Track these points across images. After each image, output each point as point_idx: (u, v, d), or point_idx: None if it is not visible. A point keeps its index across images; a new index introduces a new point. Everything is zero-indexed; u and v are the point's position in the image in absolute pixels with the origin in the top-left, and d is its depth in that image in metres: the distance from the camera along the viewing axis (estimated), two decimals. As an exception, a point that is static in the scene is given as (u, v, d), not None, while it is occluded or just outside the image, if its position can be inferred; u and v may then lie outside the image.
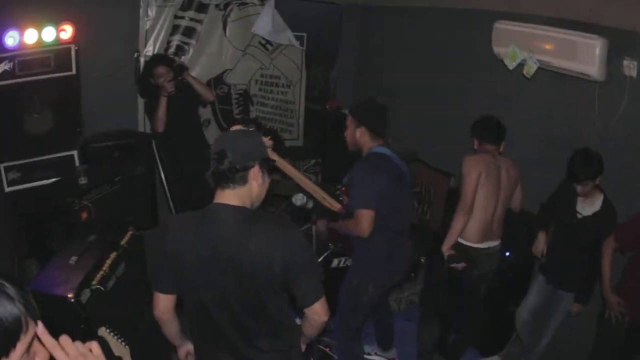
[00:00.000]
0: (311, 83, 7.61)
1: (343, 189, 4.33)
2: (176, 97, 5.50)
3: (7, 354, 1.34)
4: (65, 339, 1.50)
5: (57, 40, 5.18)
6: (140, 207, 5.72)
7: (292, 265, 2.48)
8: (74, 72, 5.40)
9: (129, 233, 4.25)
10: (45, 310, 3.27)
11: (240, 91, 7.12)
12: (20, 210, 5.18)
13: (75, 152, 5.59)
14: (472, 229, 4.41)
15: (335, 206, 3.93)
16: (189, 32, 6.48)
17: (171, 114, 5.52)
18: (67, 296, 3.41)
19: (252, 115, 7.27)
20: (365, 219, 3.78)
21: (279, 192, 4.90)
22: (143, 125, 6.38)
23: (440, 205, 6.04)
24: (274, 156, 3.08)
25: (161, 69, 5.46)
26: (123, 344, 2.75)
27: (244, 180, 2.50)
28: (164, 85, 5.41)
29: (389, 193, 3.85)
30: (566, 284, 4.50)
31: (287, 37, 6.95)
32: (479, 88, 5.59)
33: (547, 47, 4.47)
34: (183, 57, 6.49)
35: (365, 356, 4.98)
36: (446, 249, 4.38)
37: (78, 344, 1.55)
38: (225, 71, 6.92)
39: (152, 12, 6.18)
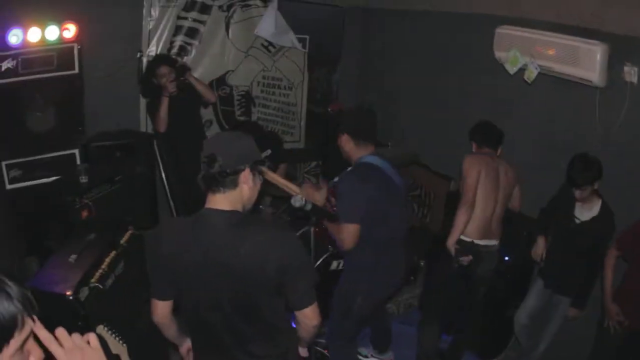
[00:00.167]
0: (313, 85, 7.62)
1: (331, 190, 4.27)
2: (178, 97, 5.51)
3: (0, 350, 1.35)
4: (61, 331, 1.51)
5: (60, 39, 5.18)
6: (141, 207, 5.72)
7: (287, 268, 2.47)
8: (76, 71, 5.40)
9: (129, 232, 4.25)
10: (44, 308, 3.29)
11: (242, 92, 7.13)
12: (21, 208, 5.19)
13: (76, 151, 5.59)
14: (471, 226, 4.43)
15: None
16: (192, 32, 6.49)
17: (173, 115, 5.53)
18: (65, 294, 3.41)
19: (254, 117, 7.29)
20: (349, 233, 3.67)
21: (278, 194, 4.92)
22: (145, 125, 6.39)
23: (440, 208, 6.05)
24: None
25: (164, 69, 5.47)
26: (121, 342, 2.76)
27: (234, 184, 2.48)
28: (166, 86, 5.42)
29: (377, 205, 3.73)
30: (564, 289, 4.51)
31: (290, 39, 6.96)
32: (480, 92, 5.60)
33: (549, 52, 4.48)
34: (185, 57, 6.49)
35: (362, 358, 4.98)
36: (451, 244, 4.38)
37: (76, 336, 1.55)
38: (227, 72, 6.92)
39: (155, 13, 6.20)
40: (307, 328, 2.74)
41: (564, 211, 4.38)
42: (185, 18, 6.40)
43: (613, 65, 4.19)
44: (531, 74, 4.64)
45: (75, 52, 5.34)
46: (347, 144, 3.88)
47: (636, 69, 4.11)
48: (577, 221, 4.30)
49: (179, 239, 2.54)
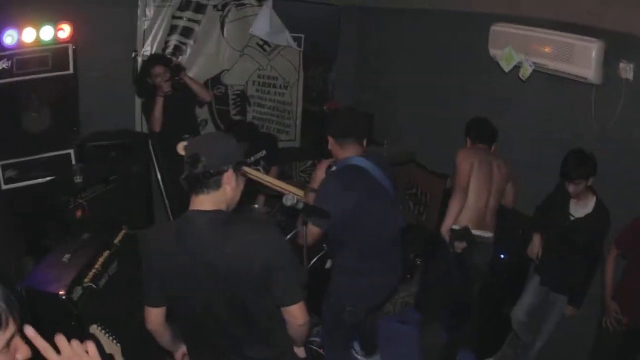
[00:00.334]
0: (309, 84, 7.63)
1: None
2: (173, 97, 5.51)
3: None
4: (61, 339, 1.51)
5: (55, 40, 5.20)
6: (136, 207, 5.74)
7: (272, 266, 2.45)
8: (71, 71, 5.42)
9: (123, 232, 4.24)
10: (38, 307, 3.29)
11: (238, 92, 7.13)
12: (18, 208, 5.19)
13: (72, 151, 5.60)
14: (466, 217, 4.46)
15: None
16: (187, 32, 6.49)
17: (168, 114, 5.52)
18: (58, 293, 3.41)
19: (249, 116, 7.29)
20: (311, 233, 3.55)
21: (273, 193, 4.92)
22: (140, 125, 6.39)
23: (437, 206, 6.05)
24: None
25: (159, 69, 5.47)
26: (115, 341, 2.75)
27: (218, 185, 2.47)
28: (161, 85, 5.42)
29: (360, 211, 3.62)
30: (561, 287, 4.50)
31: (285, 38, 6.97)
32: (477, 91, 5.59)
33: (544, 50, 4.47)
34: (181, 57, 6.50)
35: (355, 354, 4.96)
36: (445, 230, 4.40)
37: (75, 343, 1.55)
38: (222, 72, 6.93)
39: (150, 12, 6.20)
40: (294, 327, 2.71)
41: (559, 209, 4.38)
42: (180, 18, 6.40)
43: (609, 62, 4.18)
44: (526, 72, 4.63)
45: (70, 52, 5.35)
46: (332, 145, 3.79)
47: (632, 66, 4.09)
48: (572, 218, 4.29)
49: (165, 247, 2.53)
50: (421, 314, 5.19)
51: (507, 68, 4.79)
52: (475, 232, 4.47)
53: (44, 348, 1.46)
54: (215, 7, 6.58)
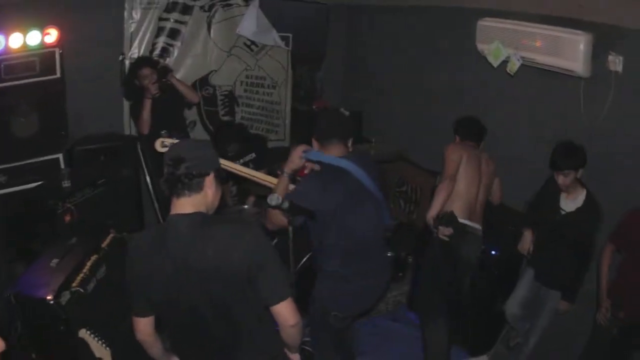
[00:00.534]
0: (297, 83, 7.62)
1: (298, 179, 4.12)
2: (161, 99, 5.50)
3: None
4: None
5: (42, 44, 5.18)
6: (125, 210, 5.74)
7: (254, 264, 2.42)
8: (58, 75, 5.39)
9: (110, 235, 4.23)
10: (26, 312, 3.28)
11: (226, 92, 7.12)
12: (8, 213, 5.15)
13: (60, 156, 5.57)
14: (456, 207, 4.45)
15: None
16: (174, 33, 6.48)
17: (156, 116, 5.51)
18: (46, 298, 3.39)
19: (238, 116, 7.28)
20: (272, 217, 3.48)
21: (262, 193, 4.89)
22: (129, 128, 6.37)
23: (427, 204, 6.02)
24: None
25: (146, 71, 5.46)
26: (104, 345, 2.74)
27: (199, 187, 2.47)
28: (148, 87, 5.40)
29: (340, 212, 3.50)
30: (553, 282, 4.48)
31: (272, 37, 6.97)
32: (466, 87, 5.60)
33: (532, 43, 4.46)
34: (168, 59, 6.50)
35: None
36: (431, 216, 4.37)
37: None
38: (210, 72, 6.92)
39: (136, 15, 6.18)
40: (285, 329, 2.65)
41: (549, 203, 4.37)
42: (167, 19, 6.39)
43: (597, 55, 4.17)
44: (513, 66, 4.63)
45: (57, 56, 5.33)
46: (316, 147, 3.70)
47: (621, 58, 4.09)
48: (563, 212, 4.28)
49: (147, 254, 2.51)
50: (417, 312, 5.16)
51: (495, 63, 4.79)
52: (466, 222, 4.46)
53: None
54: (201, 7, 6.56)
